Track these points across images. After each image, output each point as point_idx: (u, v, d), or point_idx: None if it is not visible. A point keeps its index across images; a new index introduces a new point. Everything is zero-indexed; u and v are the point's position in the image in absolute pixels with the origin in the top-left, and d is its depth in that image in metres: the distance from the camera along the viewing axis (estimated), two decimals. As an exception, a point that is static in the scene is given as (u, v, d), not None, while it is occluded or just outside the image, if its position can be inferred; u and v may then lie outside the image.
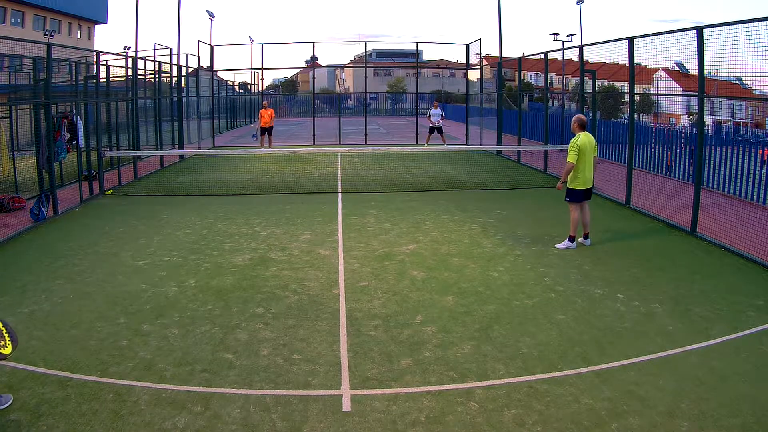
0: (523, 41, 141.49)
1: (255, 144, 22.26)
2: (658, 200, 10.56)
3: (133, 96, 14.90)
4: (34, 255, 7.66)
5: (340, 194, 11.95)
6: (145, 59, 18.11)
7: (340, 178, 14.05)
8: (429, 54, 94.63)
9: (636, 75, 10.32)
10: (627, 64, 10.33)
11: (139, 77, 15.94)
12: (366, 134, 23.43)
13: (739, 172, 11.46)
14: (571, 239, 7.83)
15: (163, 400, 4.10)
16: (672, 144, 14.13)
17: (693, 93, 8.97)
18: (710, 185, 12.00)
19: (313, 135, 23.42)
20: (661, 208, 9.93)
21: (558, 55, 17.97)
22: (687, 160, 13.07)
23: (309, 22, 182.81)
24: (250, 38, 71.27)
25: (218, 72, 27.10)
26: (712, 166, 12.16)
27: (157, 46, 27.06)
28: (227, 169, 15.56)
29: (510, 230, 8.84)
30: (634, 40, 10.02)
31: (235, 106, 36.22)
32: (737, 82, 15.33)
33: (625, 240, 8.34)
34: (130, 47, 31.75)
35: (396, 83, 66.29)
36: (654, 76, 25.27)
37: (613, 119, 26.68)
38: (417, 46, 55.11)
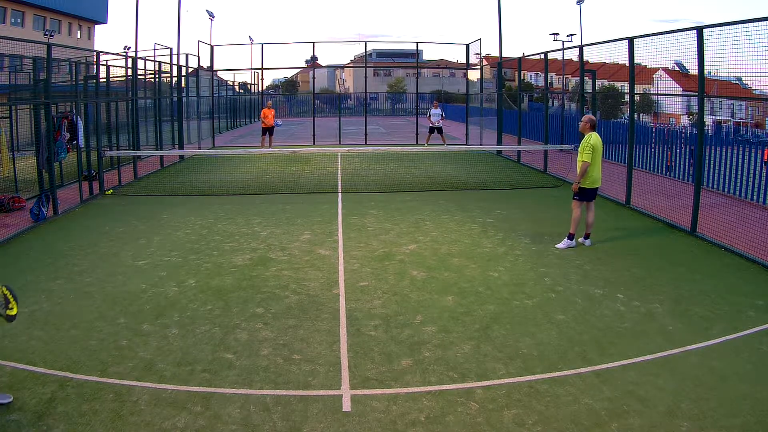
0: (523, 41, 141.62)
1: (255, 144, 22.27)
2: (658, 200, 10.56)
3: (133, 96, 14.90)
4: (34, 255, 7.66)
5: (340, 194, 11.95)
6: (145, 59, 18.11)
7: (340, 178, 14.06)
8: (429, 54, 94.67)
9: (636, 75, 10.33)
10: (627, 64, 10.33)
11: (139, 77, 15.94)
12: (366, 134, 23.43)
13: (739, 172, 11.46)
14: (571, 237, 7.83)
15: (163, 400, 4.10)
16: (672, 144, 14.12)
17: (693, 93, 8.97)
18: (710, 185, 12.00)
19: (313, 135, 23.42)
20: (661, 208, 9.93)
21: (558, 55, 17.96)
22: (687, 160, 13.07)
23: (309, 22, 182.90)
24: (250, 38, 71.28)
25: (218, 72, 27.12)
26: (712, 166, 12.16)
27: (157, 46, 27.06)
28: (227, 169, 15.56)
29: (510, 230, 8.84)
30: (634, 40, 10.02)
31: (235, 106, 36.22)
32: (737, 82, 15.32)
33: (625, 240, 8.34)
34: (130, 47, 31.75)
35: (396, 83, 66.31)
36: (654, 76, 25.26)
37: (613, 119, 26.67)
38: (417, 46, 55.19)
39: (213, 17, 34.93)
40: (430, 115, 21.15)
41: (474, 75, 27.16)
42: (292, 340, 5.06)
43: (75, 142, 12.23)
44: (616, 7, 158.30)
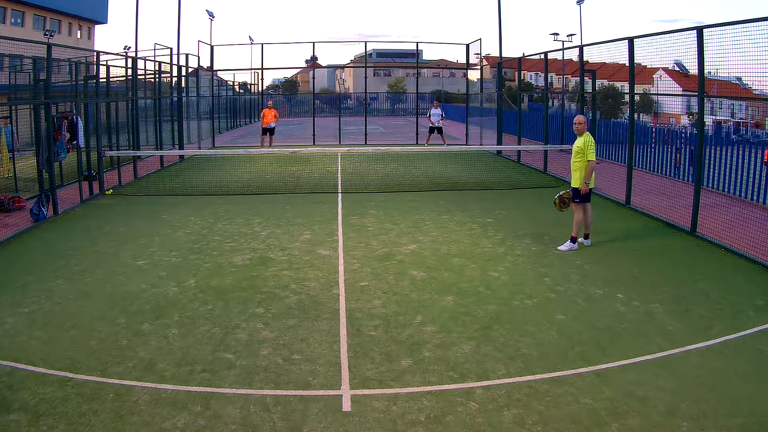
0: (523, 41, 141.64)
1: (255, 144, 22.27)
2: (658, 200, 10.56)
3: (133, 96, 14.90)
4: (34, 255, 7.66)
5: (340, 194, 11.95)
6: (145, 59, 18.12)
7: (340, 178, 14.06)
8: (429, 54, 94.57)
9: (636, 75, 10.33)
10: (627, 64, 10.33)
11: (139, 77, 15.94)
12: (366, 134, 23.42)
13: (739, 172, 11.46)
14: (573, 240, 7.82)
15: (163, 400, 4.10)
16: (680, 146, 14.01)
17: (693, 93, 8.97)
18: (710, 185, 12.00)
19: (313, 135, 23.42)
20: (661, 208, 9.93)
21: (558, 55, 17.97)
22: (687, 160, 13.06)
23: (309, 22, 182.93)
24: (250, 38, 71.33)
25: (218, 72, 27.11)
26: (712, 166, 12.15)
27: (157, 46, 27.05)
28: (227, 169, 15.56)
29: (510, 230, 8.84)
30: (634, 40, 10.02)
31: (235, 106, 36.22)
32: (737, 82, 15.32)
33: (625, 240, 8.34)
34: (130, 47, 31.76)
35: (396, 83, 66.26)
36: (654, 76, 25.27)
37: (613, 119, 26.67)
38: (417, 46, 55.19)
39: (213, 17, 34.95)
40: (430, 115, 21.15)
41: (474, 75, 27.15)
42: (292, 340, 5.06)
43: (75, 142, 12.23)
44: (616, 7, 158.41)
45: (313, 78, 29.52)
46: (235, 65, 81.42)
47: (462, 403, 4.06)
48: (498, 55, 23.92)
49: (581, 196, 7.78)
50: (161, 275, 6.80)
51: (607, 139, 16.99)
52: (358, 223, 9.33)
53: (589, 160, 7.70)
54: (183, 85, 20.30)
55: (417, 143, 22.65)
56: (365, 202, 11.09)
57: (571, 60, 22.12)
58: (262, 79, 32.67)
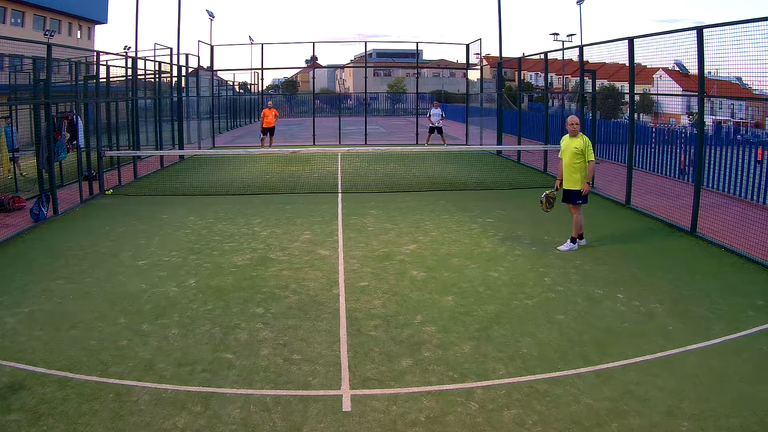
0: (523, 41, 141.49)
1: (255, 144, 22.27)
2: (659, 200, 10.56)
3: (133, 96, 14.90)
4: (34, 255, 7.66)
5: (340, 194, 11.95)
6: (145, 59, 18.11)
7: (340, 178, 14.06)
8: (429, 54, 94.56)
9: (636, 75, 10.33)
10: (627, 64, 10.33)
11: (139, 77, 15.94)
12: (366, 134, 23.43)
13: (739, 172, 11.45)
14: (574, 240, 7.83)
15: (163, 400, 4.10)
16: (687, 148, 13.92)
17: (693, 93, 8.97)
18: (710, 185, 11.99)
19: (313, 135, 23.42)
20: (661, 208, 9.93)
21: (558, 55, 17.97)
22: (688, 160, 13.03)
23: (309, 22, 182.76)
24: (250, 38, 71.24)
25: (218, 72, 27.13)
26: (712, 166, 12.14)
27: (157, 46, 27.00)
28: (227, 169, 15.56)
29: (510, 230, 8.84)
30: (634, 40, 10.02)
31: (235, 106, 36.22)
32: (737, 82, 15.30)
33: (625, 240, 8.34)
34: (130, 47, 31.70)
35: (396, 83, 66.22)
36: (654, 76, 25.25)
37: (613, 119, 26.67)
38: (417, 46, 55.23)
39: (213, 17, 34.91)
40: (430, 115, 21.14)
41: (474, 75, 27.16)
42: (292, 340, 5.06)
43: (75, 142, 12.23)
44: (616, 7, 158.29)
45: (313, 78, 29.54)
46: (235, 65, 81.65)
47: (462, 403, 4.06)
48: (498, 55, 23.90)
49: (583, 197, 7.80)
50: (161, 275, 6.80)
51: (607, 140, 16.98)
52: (358, 223, 9.33)
53: (589, 161, 7.75)
54: (183, 85, 20.30)
55: (417, 143, 22.66)
56: (365, 202, 11.09)
57: (571, 60, 22.14)
58: (262, 79, 32.66)
